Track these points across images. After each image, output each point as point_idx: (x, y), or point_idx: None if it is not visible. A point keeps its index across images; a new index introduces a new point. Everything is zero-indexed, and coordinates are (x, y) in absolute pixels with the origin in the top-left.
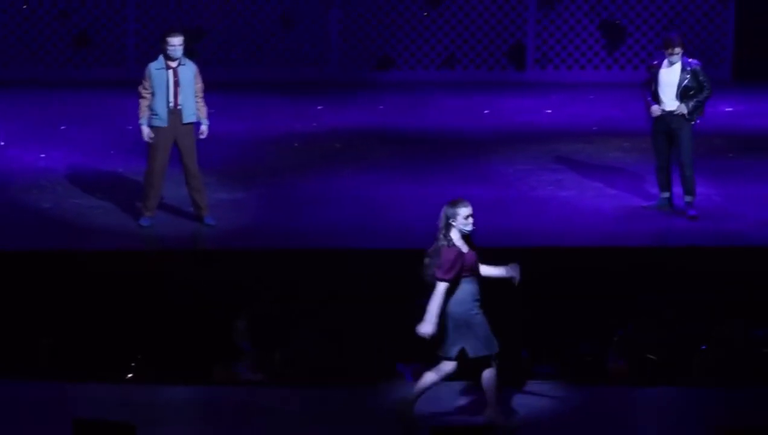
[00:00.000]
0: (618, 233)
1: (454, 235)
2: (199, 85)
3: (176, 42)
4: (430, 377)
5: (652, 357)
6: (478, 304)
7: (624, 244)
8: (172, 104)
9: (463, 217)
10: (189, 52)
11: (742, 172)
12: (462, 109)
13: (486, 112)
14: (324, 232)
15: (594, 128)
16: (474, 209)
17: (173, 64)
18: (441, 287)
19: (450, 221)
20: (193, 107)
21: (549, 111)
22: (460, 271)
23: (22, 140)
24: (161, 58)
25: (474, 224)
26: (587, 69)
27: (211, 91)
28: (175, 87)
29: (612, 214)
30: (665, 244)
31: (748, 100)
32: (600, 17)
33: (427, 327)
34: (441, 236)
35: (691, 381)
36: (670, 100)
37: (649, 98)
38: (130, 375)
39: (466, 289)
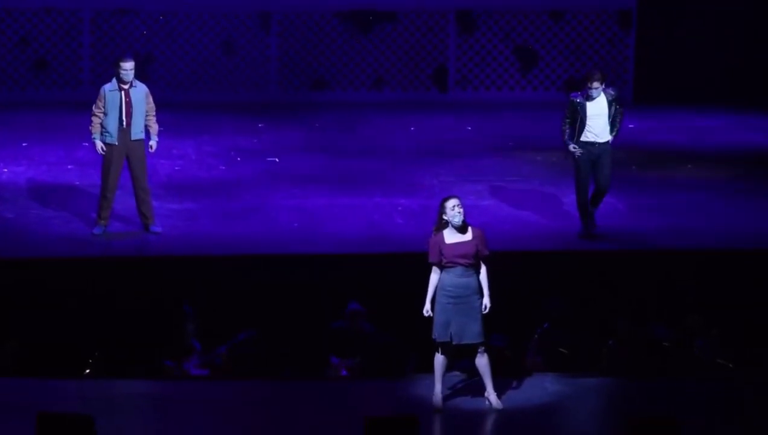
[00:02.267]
0: (532, 238)
1: (444, 226)
2: (150, 105)
3: (128, 67)
4: (436, 363)
5: (564, 351)
6: (450, 293)
7: (538, 248)
8: (124, 123)
9: (450, 209)
10: (140, 75)
11: (643, 182)
12: (390, 126)
13: (412, 129)
14: (266, 239)
15: (510, 143)
16: (402, 217)
17: (125, 86)
18: (431, 270)
19: (442, 214)
20: (142, 125)
21: (469, 128)
22: (441, 257)
23: None
24: (114, 80)
25: (462, 215)
26: (503, 90)
27: (160, 110)
28: (127, 107)
29: (527, 221)
30: (574, 248)
31: (648, 119)
32: (514, 43)
33: (425, 307)
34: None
35: (600, 373)
36: (601, 132)
37: (567, 138)
38: (87, 371)
39: (444, 277)
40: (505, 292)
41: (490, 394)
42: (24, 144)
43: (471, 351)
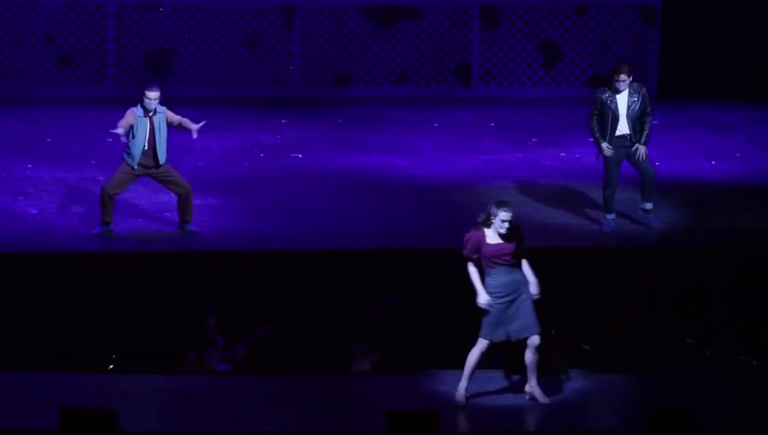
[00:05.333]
0: (555, 234)
1: (487, 226)
2: (173, 117)
3: (153, 96)
4: (471, 357)
5: (586, 347)
6: (500, 293)
7: (561, 244)
8: (146, 147)
9: (500, 220)
10: (163, 71)
11: (668, 178)
12: (413, 122)
13: (435, 125)
14: (288, 234)
15: (533, 139)
16: (425, 212)
17: (150, 113)
18: (467, 264)
19: (490, 217)
20: (165, 149)
21: (492, 124)
22: (477, 255)
23: (11, 152)
24: (140, 107)
25: (508, 229)
26: (527, 85)
27: (183, 106)
28: (151, 133)
29: (550, 217)
30: (597, 244)
31: (673, 114)
32: (538, 38)
33: (480, 298)
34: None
35: (622, 368)
36: (624, 125)
37: (599, 136)
38: (110, 366)
39: (489, 280)
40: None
41: (535, 389)
42: (48, 139)
43: (510, 346)
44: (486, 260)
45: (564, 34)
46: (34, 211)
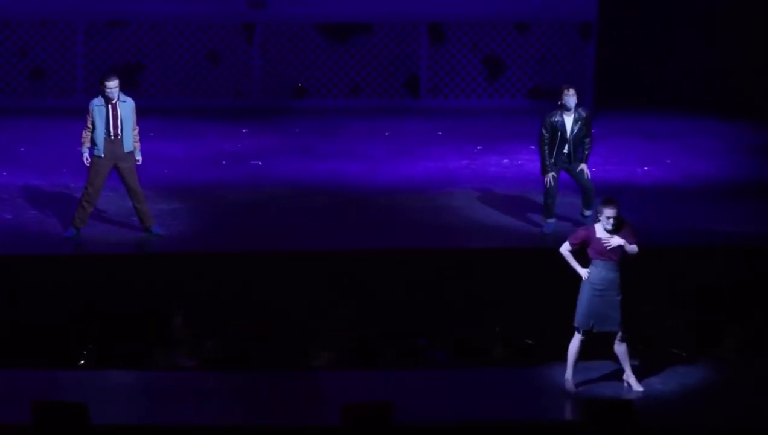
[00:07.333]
0: (498, 236)
1: (597, 223)
2: (134, 120)
3: (112, 85)
4: (571, 349)
5: (530, 342)
6: (597, 286)
7: (508, 244)
8: (111, 135)
9: (605, 217)
10: (131, 83)
11: (603, 183)
12: (366, 131)
13: (387, 134)
14: (250, 237)
15: (478, 147)
16: (380, 215)
17: (113, 101)
18: (562, 248)
19: (598, 215)
20: (131, 138)
21: (440, 133)
22: (581, 247)
23: None
24: (101, 96)
25: (615, 225)
26: (472, 97)
27: (150, 116)
28: (114, 120)
29: (494, 220)
30: (537, 245)
31: (607, 124)
32: (482, 53)
33: (582, 273)
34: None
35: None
36: (569, 146)
37: (548, 163)
38: (81, 362)
39: (593, 271)
40: (475, 287)
41: (629, 377)
42: (21, 148)
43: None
44: (594, 253)
45: (506, 48)
46: (8, 216)
